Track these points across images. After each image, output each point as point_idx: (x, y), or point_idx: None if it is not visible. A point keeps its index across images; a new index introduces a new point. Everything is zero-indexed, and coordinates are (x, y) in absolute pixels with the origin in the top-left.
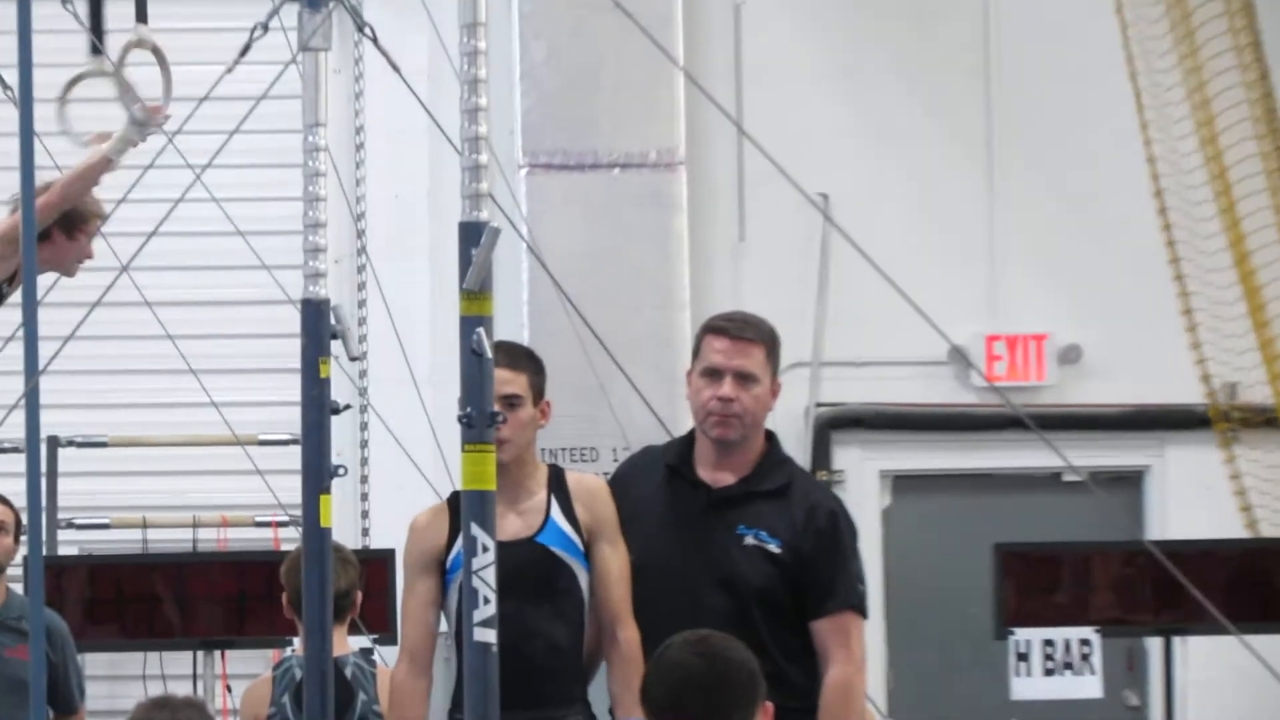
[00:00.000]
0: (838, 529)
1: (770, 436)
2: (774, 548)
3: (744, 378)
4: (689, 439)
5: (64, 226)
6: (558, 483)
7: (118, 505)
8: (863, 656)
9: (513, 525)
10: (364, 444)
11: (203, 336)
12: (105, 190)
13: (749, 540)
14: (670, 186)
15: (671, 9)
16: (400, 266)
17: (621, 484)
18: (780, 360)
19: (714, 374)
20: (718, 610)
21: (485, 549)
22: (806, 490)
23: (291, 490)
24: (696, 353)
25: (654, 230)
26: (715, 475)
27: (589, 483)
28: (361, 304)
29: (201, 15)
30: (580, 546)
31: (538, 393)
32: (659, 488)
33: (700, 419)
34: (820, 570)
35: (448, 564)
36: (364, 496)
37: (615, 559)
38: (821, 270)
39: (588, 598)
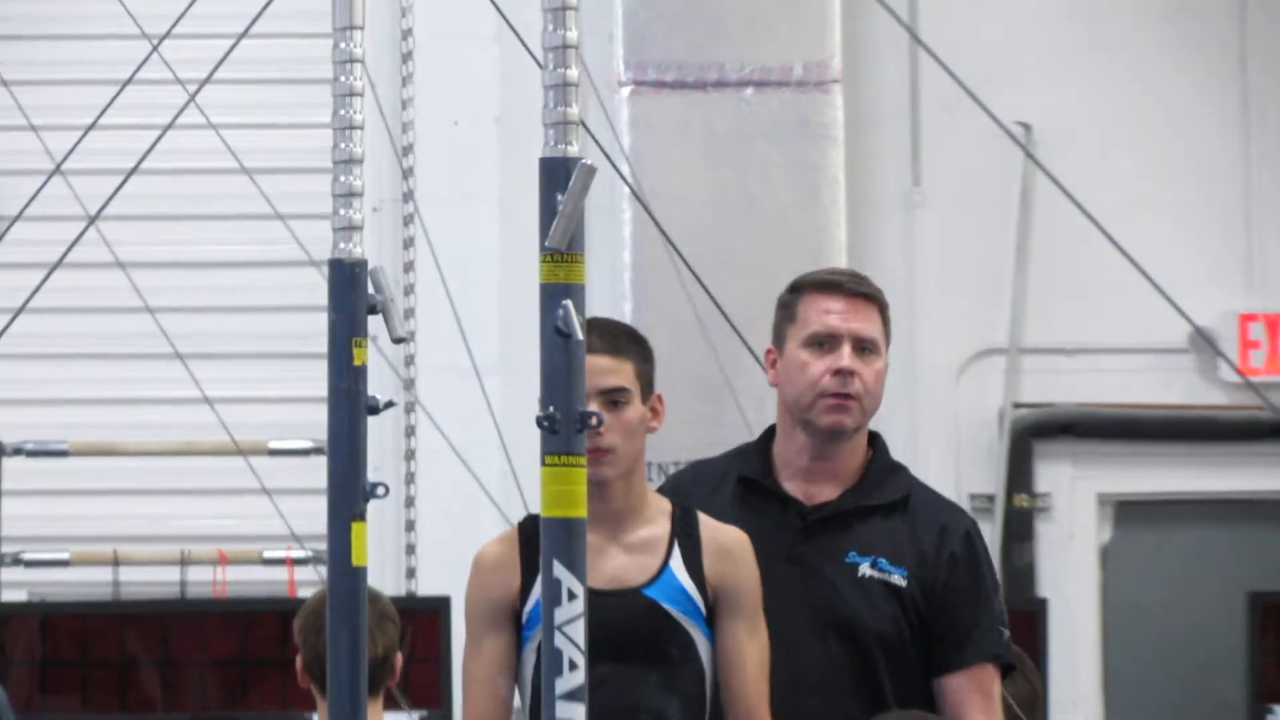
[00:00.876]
0: (976, 556)
1: (875, 439)
2: (898, 578)
3: (865, 346)
4: (764, 444)
5: None
6: (686, 525)
7: (81, 534)
8: None
9: (614, 566)
10: (410, 455)
11: (196, 310)
12: (72, 114)
13: (865, 570)
14: (822, 113)
15: None
16: (460, 217)
17: None
18: (892, 335)
19: (825, 342)
20: (830, 664)
21: (572, 596)
22: (933, 506)
23: (312, 516)
24: (790, 319)
25: (799, 170)
26: (807, 489)
27: (729, 537)
28: (409, 267)
29: None
30: (702, 610)
31: (646, 385)
32: (729, 509)
33: (805, 404)
34: (959, 611)
35: (524, 616)
36: (410, 525)
37: (752, 644)
38: (1021, 226)
39: (710, 670)
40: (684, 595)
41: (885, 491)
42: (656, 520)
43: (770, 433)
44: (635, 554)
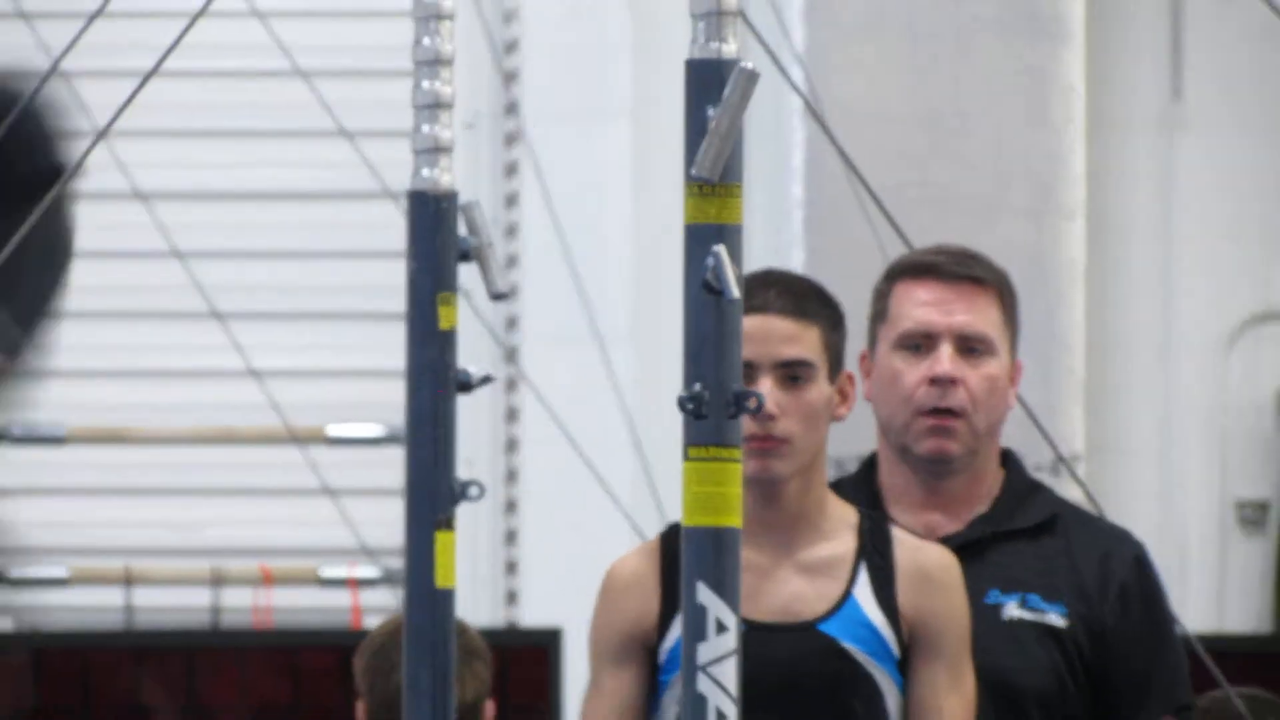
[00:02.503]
0: (1152, 585)
1: (1009, 458)
2: (1055, 618)
3: (972, 346)
4: (866, 476)
5: None
6: (877, 540)
7: (85, 546)
8: None
9: (786, 594)
10: (512, 446)
11: (236, 254)
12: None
13: (1012, 611)
14: (1056, 4)
15: None
16: (579, 137)
17: None
18: (1019, 326)
19: (920, 343)
20: None
21: (722, 628)
22: (1091, 529)
23: (385, 524)
24: (882, 315)
25: (1027, 78)
26: (927, 521)
27: (933, 560)
28: (512, 201)
29: None
30: (894, 651)
31: (835, 359)
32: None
33: (900, 425)
34: (1135, 658)
35: (662, 654)
36: (511, 537)
37: (956, 696)
38: None
39: None
40: (872, 632)
41: (1026, 515)
42: (839, 534)
43: (871, 462)
44: (812, 577)
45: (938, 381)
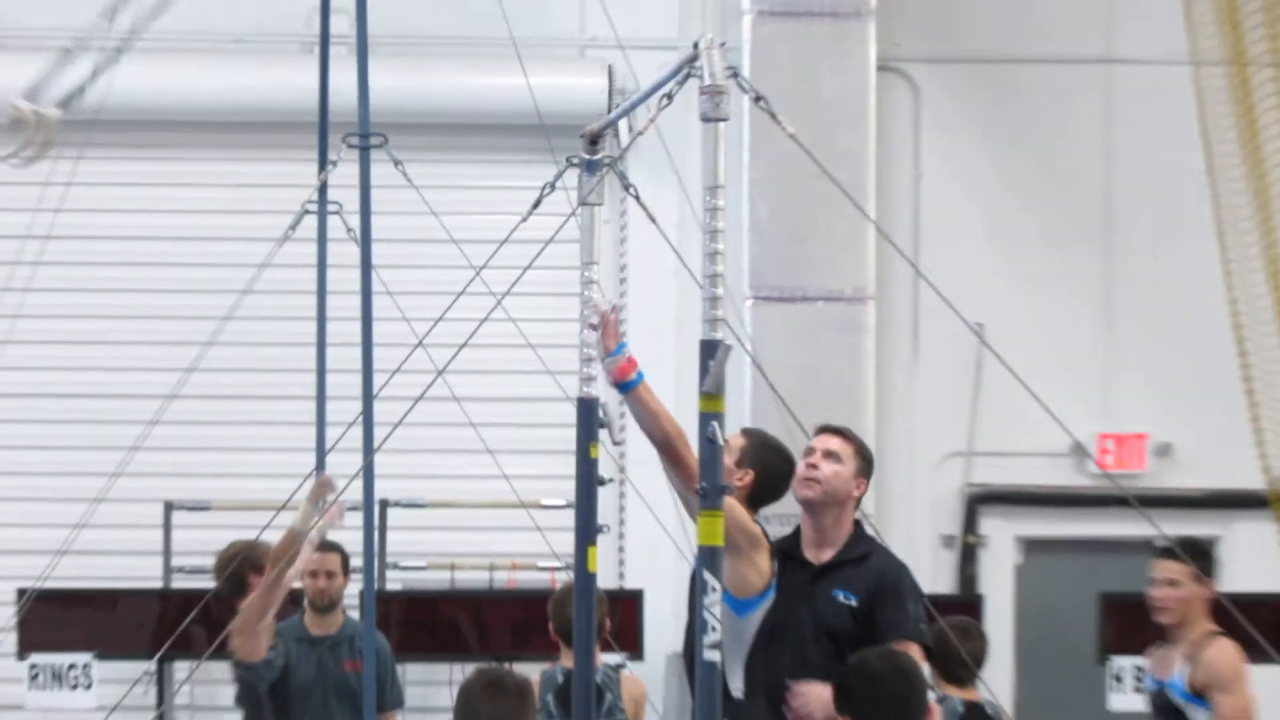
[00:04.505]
0: (900, 584)
1: (857, 523)
2: (854, 602)
3: (828, 454)
4: (797, 530)
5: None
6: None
7: (432, 552)
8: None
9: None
10: (622, 509)
11: (500, 425)
12: (421, 308)
13: (840, 599)
14: (862, 316)
15: (866, 178)
16: (652, 377)
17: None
18: (871, 471)
19: (808, 453)
20: (820, 650)
21: (714, 590)
22: (883, 557)
23: (565, 543)
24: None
25: (848, 350)
26: (817, 554)
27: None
28: (622, 404)
29: (499, 175)
30: None
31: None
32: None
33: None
34: (885, 614)
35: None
36: (621, 549)
37: None
38: (976, 382)
39: None
40: None
41: (856, 552)
42: None
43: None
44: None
45: (810, 465)
